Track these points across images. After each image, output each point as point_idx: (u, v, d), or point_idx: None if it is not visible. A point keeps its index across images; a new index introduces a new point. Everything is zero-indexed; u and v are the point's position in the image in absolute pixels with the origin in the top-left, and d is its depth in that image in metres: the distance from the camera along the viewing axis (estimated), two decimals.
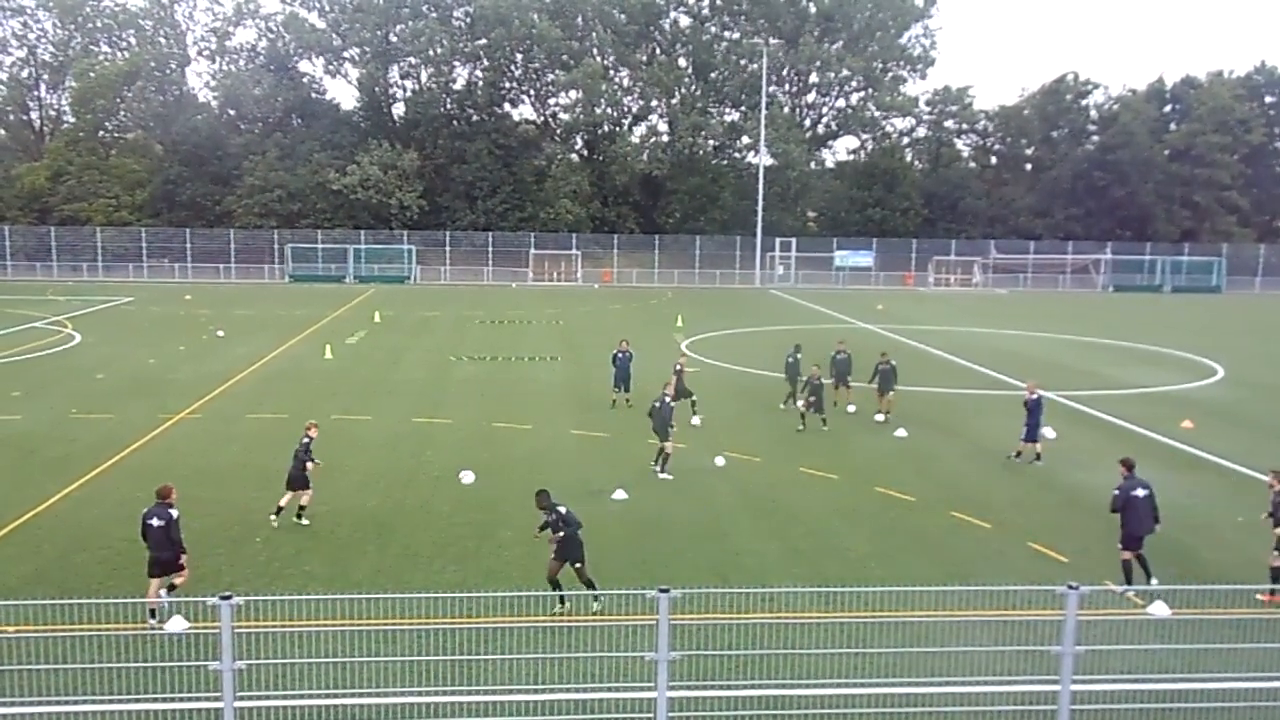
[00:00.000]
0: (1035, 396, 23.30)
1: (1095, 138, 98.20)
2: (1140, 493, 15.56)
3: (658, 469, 21.82)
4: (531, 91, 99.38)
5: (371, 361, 37.88)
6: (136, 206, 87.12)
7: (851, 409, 28.56)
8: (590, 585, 14.23)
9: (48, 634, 12.99)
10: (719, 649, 12.76)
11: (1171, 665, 12.14)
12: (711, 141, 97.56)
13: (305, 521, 18.06)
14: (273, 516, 18.07)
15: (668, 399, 22.28)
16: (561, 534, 14.40)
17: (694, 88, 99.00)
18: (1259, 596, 14.75)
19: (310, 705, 11.29)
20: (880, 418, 27.70)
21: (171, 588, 14.08)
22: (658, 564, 16.36)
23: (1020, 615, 13.24)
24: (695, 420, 26.77)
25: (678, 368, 28.13)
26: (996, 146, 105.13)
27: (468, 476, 21.07)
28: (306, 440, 18.40)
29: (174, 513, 14.16)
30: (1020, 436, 23.48)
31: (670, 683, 10.35)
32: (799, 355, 29.88)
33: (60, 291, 66.67)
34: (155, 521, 14.00)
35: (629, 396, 29.26)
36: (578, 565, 14.33)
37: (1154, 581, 15.33)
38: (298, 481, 18.10)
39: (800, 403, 27.25)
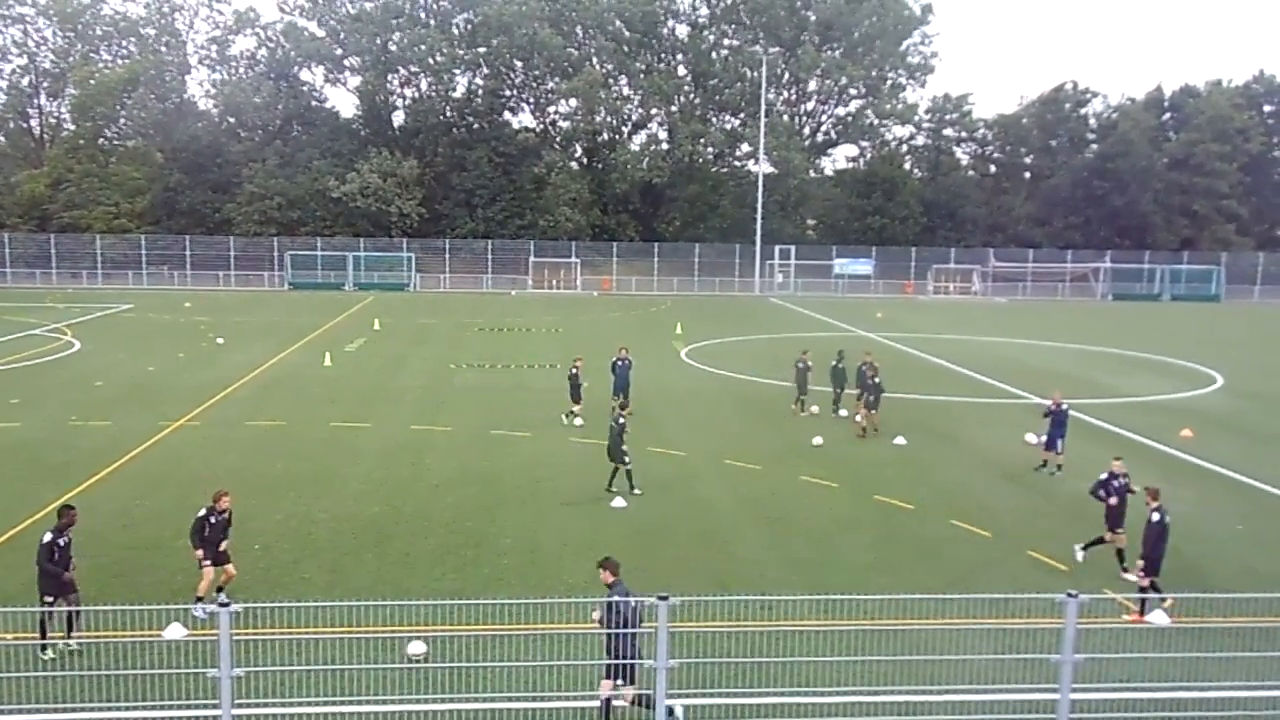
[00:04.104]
0: (1059, 407, 23.36)
1: (1094, 146, 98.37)
2: None
3: (617, 489, 20.71)
4: (531, 99, 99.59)
5: (371, 369, 37.89)
6: (136, 214, 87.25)
7: (852, 415, 28.57)
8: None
9: (47, 642, 12.97)
10: (719, 657, 12.76)
11: (1171, 674, 12.13)
12: (711, 149, 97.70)
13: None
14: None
15: (622, 420, 21.32)
16: None
17: (693, 95, 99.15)
18: (1125, 616, 14.59)
19: (309, 713, 11.27)
20: (859, 417, 27.79)
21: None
22: (657, 572, 16.31)
23: (1020, 624, 13.23)
24: (811, 410, 29.27)
25: (802, 365, 29.76)
26: (996, 155, 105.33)
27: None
28: (205, 514, 14.80)
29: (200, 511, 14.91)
30: (1046, 446, 23.68)
31: (669, 690, 10.34)
32: (843, 362, 30.09)
33: (60, 299, 66.67)
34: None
35: (625, 403, 29.27)
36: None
37: None
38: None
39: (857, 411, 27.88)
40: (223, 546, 14.84)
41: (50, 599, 13.12)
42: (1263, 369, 42.46)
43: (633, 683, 10.89)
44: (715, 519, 19.43)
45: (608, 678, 10.90)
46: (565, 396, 28.49)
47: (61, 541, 13.36)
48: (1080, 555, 16.90)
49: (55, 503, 19.54)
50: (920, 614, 13.65)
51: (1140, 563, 15.07)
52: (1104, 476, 16.97)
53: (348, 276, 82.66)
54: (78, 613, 13.25)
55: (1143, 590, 15.03)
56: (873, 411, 27.34)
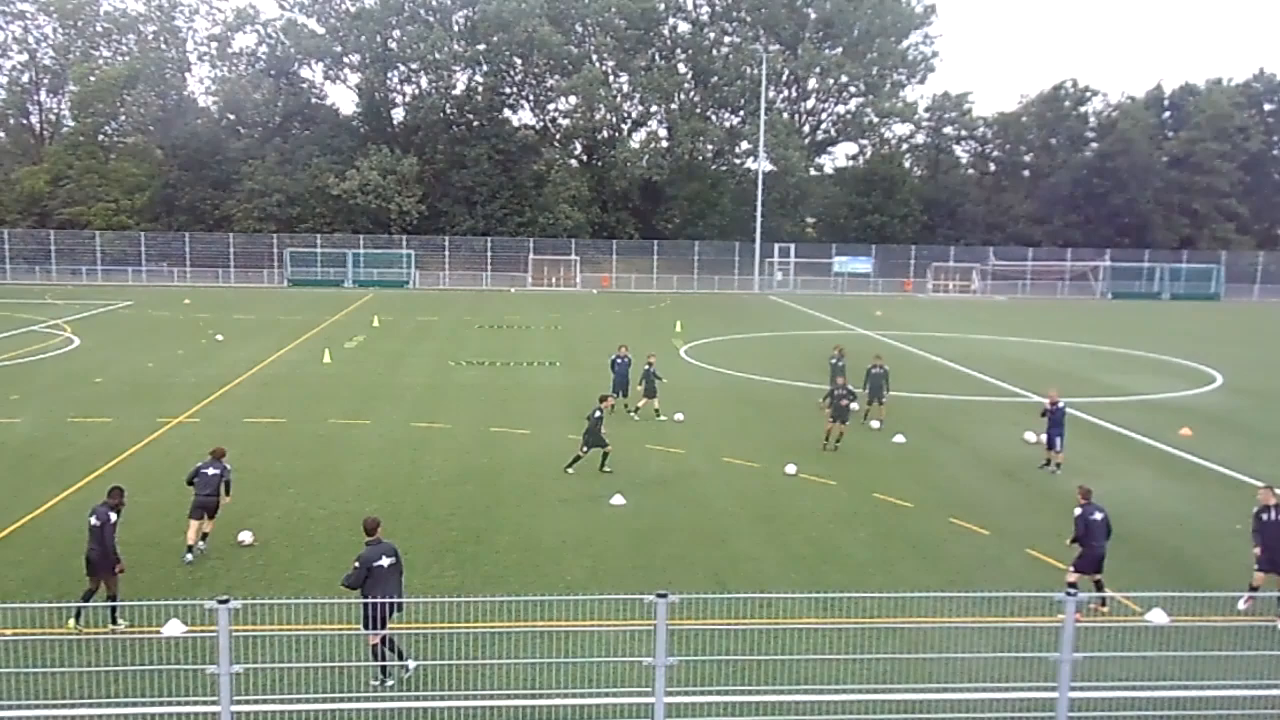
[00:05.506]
0: (1056, 406, 23.31)
1: (1094, 145, 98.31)
2: None
3: (609, 468, 22.24)
4: (531, 97, 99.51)
5: (370, 366, 37.87)
6: (136, 210, 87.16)
7: (875, 425, 27.81)
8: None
9: (45, 637, 12.99)
10: (717, 654, 12.76)
11: (1169, 672, 12.13)
12: (710, 147, 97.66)
13: None
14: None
15: (599, 412, 22.55)
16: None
17: (693, 93, 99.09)
18: (1240, 605, 14.70)
19: (307, 710, 11.27)
20: (875, 424, 27.70)
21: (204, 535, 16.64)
22: (656, 569, 16.34)
23: (1018, 622, 13.24)
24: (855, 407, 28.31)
25: (834, 360, 29.64)
26: (995, 153, 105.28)
27: None
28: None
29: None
30: (1047, 445, 23.62)
31: (668, 688, 10.35)
32: (843, 359, 29.84)
33: (59, 295, 66.63)
34: (210, 471, 16.75)
35: (627, 402, 29.29)
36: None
37: None
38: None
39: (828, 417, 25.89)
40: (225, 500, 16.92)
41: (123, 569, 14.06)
42: (1262, 367, 42.46)
43: (381, 628, 12.01)
44: (714, 516, 19.43)
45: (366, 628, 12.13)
46: (641, 394, 29.00)
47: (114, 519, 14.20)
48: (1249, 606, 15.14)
49: (54, 500, 19.65)
50: (918, 612, 13.66)
51: (1073, 544, 15.13)
52: (1255, 509, 15.35)
53: (347, 274, 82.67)
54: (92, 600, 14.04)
55: (1072, 586, 14.72)
56: (881, 403, 27.13)
